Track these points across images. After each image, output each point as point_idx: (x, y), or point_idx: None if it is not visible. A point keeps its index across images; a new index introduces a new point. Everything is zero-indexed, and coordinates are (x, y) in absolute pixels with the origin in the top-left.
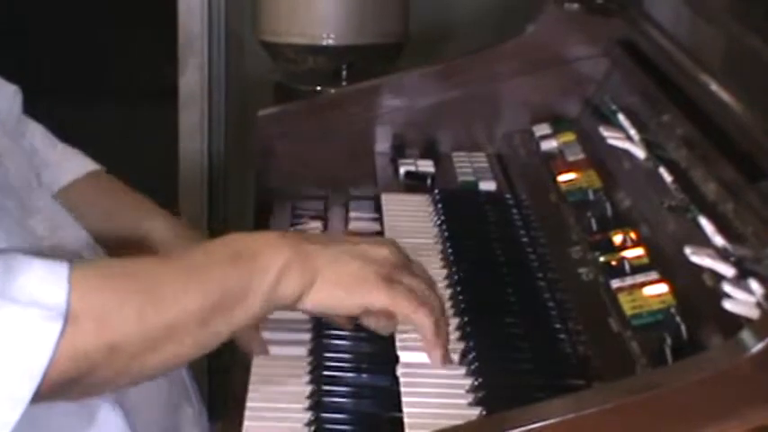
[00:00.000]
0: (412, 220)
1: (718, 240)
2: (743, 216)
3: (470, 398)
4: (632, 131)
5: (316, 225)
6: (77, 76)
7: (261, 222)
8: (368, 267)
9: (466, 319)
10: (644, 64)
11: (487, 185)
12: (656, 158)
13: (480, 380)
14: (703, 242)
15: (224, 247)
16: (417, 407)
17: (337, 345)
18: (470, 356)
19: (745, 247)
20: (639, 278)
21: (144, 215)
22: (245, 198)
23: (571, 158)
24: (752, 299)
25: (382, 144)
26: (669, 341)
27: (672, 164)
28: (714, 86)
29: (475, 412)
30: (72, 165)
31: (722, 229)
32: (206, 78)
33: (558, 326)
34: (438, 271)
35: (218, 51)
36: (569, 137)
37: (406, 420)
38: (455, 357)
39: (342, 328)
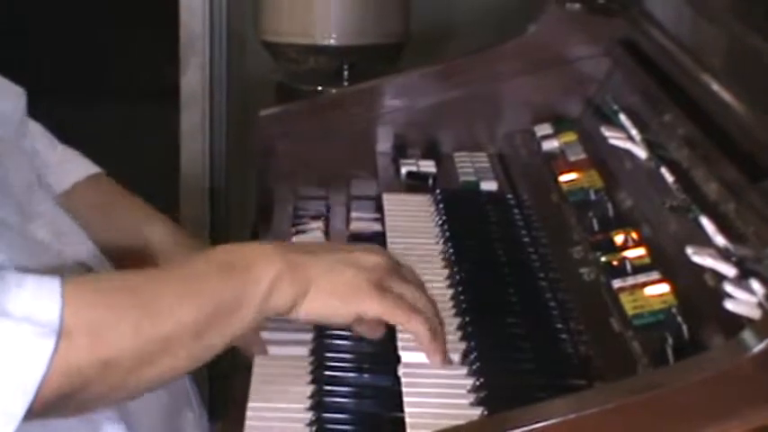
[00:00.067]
0: (413, 220)
1: (720, 240)
2: (744, 216)
3: (472, 398)
4: (634, 131)
5: (317, 225)
6: (77, 76)
7: (262, 222)
8: (360, 276)
9: (467, 319)
10: (645, 64)
11: (489, 185)
12: (658, 158)
13: (482, 380)
14: (705, 242)
15: (216, 259)
16: (419, 407)
17: (338, 345)
18: (472, 356)
19: (746, 247)
20: (641, 278)
21: (144, 220)
22: (246, 198)
23: (572, 158)
24: (753, 299)
25: (384, 144)
26: (670, 341)
27: (673, 164)
28: (715, 86)
29: (476, 412)
30: (73, 167)
31: (723, 229)
32: (207, 78)
33: (559, 326)
34: (439, 271)
35: (220, 51)
36: (571, 137)
37: (407, 420)
38: (456, 357)
39: (343, 328)
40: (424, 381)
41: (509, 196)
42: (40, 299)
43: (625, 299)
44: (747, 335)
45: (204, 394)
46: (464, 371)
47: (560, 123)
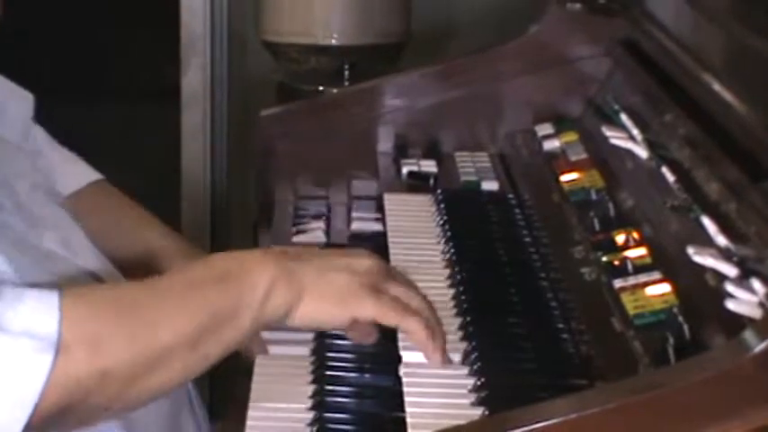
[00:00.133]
0: (414, 219)
1: (721, 240)
2: (745, 216)
3: (473, 398)
4: (635, 131)
5: (317, 225)
6: (77, 76)
7: (263, 222)
8: (353, 279)
9: (468, 318)
10: (646, 64)
11: (490, 185)
12: (659, 158)
13: (483, 380)
14: (706, 242)
15: (209, 269)
16: (420, 407)
17: (340, 345)
18: (473, 356)
19: (747, 246)
20: (642, 278)
21: (146, 228)
22: (247, 198)
23: (574, 158)
24: (754, 299)
25: (385, 144)
26: (672, 341)
27: (674, 164)
28: (716, 86)
29: (477, 412)
30: (74, 173)
31: (725, 228)
32: (208, 78)
33: (560, 326)
34: (440, 271)
35: (221, 51)
36: (572, 137)
37: (408, 420)
38: (457, 357)
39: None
40: (424, 381)
41: (510, 196)
42: (39, 313)
43: (626, 299)
44: (748, 335)
45: (204, 394)
46: (465, 371)
47: (561, 123)
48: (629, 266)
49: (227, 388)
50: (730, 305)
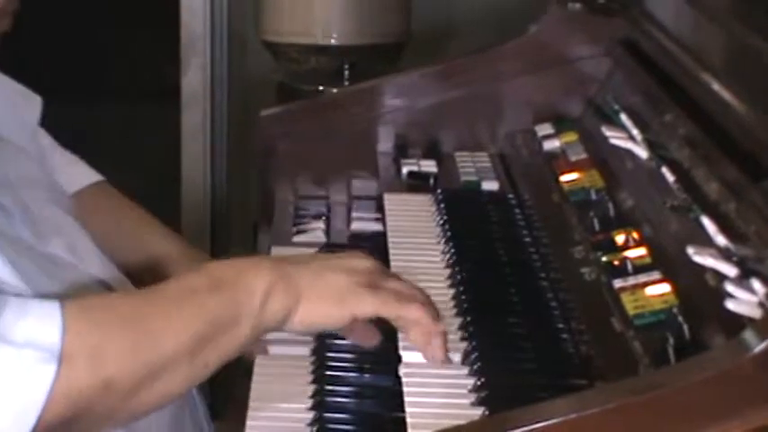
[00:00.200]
0: (414, 219)
1: (721, 240)
2: (745, 216)
3: (473, 398)
4: (634, 131)
5: (317, 225)
6: (77, 76)
7: (263, 222)
8: (350, 279)
9: (468, 318)
10: (646, 64)
11: (490, 185)
12: (659, 158)
13: (483, 380)
14: (706, 242)
15: (206, 277)
16: (420, 407)
17: (340, 344)
18: (473, 356)
19: (747, 246)
20: (642, 278)
21: (145, 230)
22: (247, 198)
23: (573, 158)
24: (754, 299)
25: (385, 144)
26: (672, 341)
27: (674, 164)
28: (716, 86)
29: (477, 412)
30: (75, 174)
31: (724, 228)
32: (208, 78)
33: (560, 326)
34: (440, 271)
35: (221, 51)
36: (572, 137)
37: (408, 420)
38: (457, 357)
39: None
40: (424, 381)
41: (510, 196)
42: (42, 325)
43: (626, 299)
44: (748, 335)
45: (205, 394)
46: (465, 371)
47: (561, 123)
48: (629, 266)
49: (227, 388)
50: (730, 305)
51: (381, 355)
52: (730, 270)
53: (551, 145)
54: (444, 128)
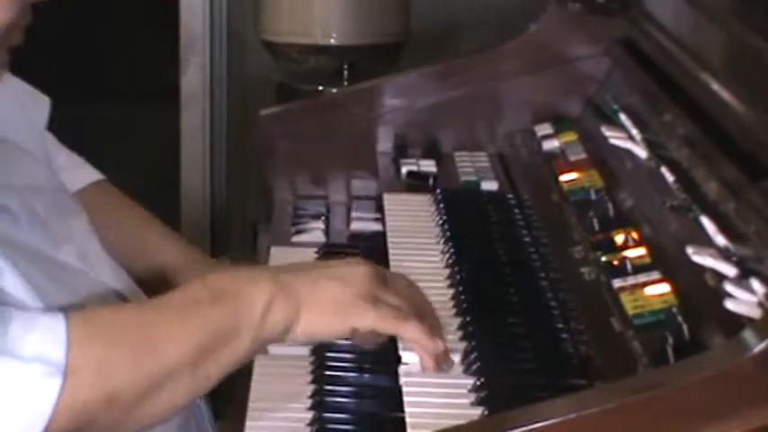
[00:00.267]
0: (414, 219)
1: (720, 240)
2: (744, 215)
3: (472, 397)
4: (634, 131)
5: (317, 225)
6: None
7: (262, 222)
8: (348, 290)
9: (468, 318)
10: (645, 63)
11: (489, 185)
12: (658, 158)
13: (482, 379)
14: (705, 242)
15: (207, 288)
16: (419, 407)
17: (339, 345)
18: (472, 356)
19: (746, 246)
20: (641, 278)
21: (146, 229)
22: (246, 198)
23: (573, 158)
24: (754, 298)
25: (384, 144)
26: (671, 341)
27: (673, 163)
28: (715, 86)
29: (477, 412)
30: (77, 173)
31: (724, 228)
32: (208, 78)
33: (559, 325)
34: (440, 271)
35: (220, 51)
36: (571, 136)
37: (407, 420)
38: (457, 357)
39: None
40: (424, 380)
41: (509, 196)
42: (47, 339)
43: (625, 298)
44: (748, 334)
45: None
46: (465, 370)
47: (561, 123)
48: (629, 266)
49: (227, 388)
50: (729, 305)
51: (381, 356)
52: (730, 270)
53: (551, 145)
54: (444, 128)
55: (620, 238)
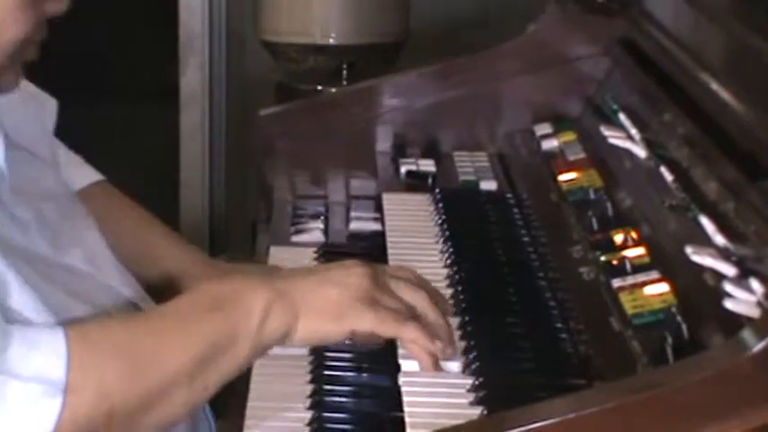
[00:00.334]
0: (413, 219)
1: (719, 239)
2: (744, 215)
3: (471, 397)
4: (633, 131)
5: (316, 225)
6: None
7: (261, 222)
8: (346, 293)
9: (467, 318)
10: (645, 63)
11: (488, 185)
12: (657, 158)
13: (481, 379)
14: (704, 241)
15: (203, 299)
16: (418, 406)
17: (338, 344)
18: (471, 356)
19: (746, 246)
20: (640, 277)
21: (146, 230)
22: (245, 197)
23: (572, 158)
24: (753, 298)
25: (383, 143)
26: (670, 340)
27: (673, 163)
28: (715, 85)
29: (476, 412)
30: (77, 174)
31: (723, 228)
32: (207, 78)
33: (558, 325)
34: (439, 271)
35: (219, 51)
36: (570, 136)
37: (406, 420)
38: (456, 357)
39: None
40: (423, 380)
41: (508, 196)
42: (48, 358)
43: (624, 298)
44: (747, 334)
45: None
46: (464, 370)
47: (560, 123)
48: (628, 266)
49: (227, 387)
50: (729, 305)
51: (380, 355)
52: (729, 269)
53: (550, 144)
54: (443, 127)
55: (619, 238)
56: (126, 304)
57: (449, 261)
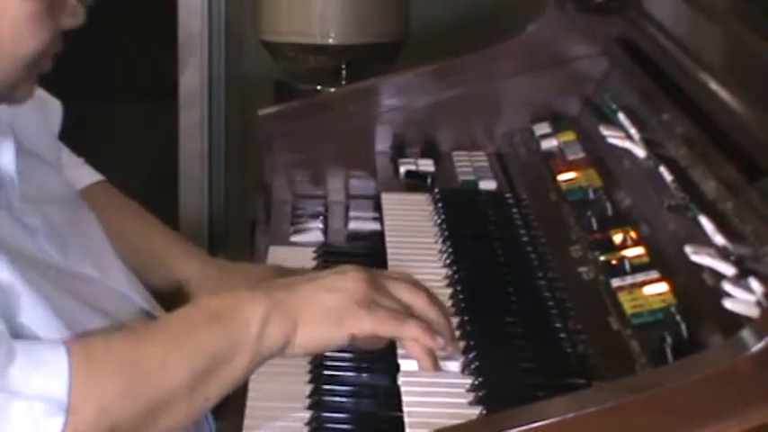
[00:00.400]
0: (412, 219)
1: (719, 239)
2: (743, 215)
3: (470, 397)
4: (632, 130)
5: (315, 224)
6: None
7: (261, 222)
8: (343, 298)
9: (466, 318)
10: (643, 63)
11: (488, 185)
12: (656, 157)
13: (480, 379)
14: (703, 241)
15: (202, 311)
16: (417, 406)
17: None
18: (470, 356)
19: (745, 245)
20: (640, 277)
21: (146, 229)
22: (245, 197)
23: (571, 157)
24: (752, 298)
25: (382, 143)
26: (669, 340)
27: (672, 162)
28: (713, 85)
29: (475, 411)
30: (77, 174)
31: (722, 227)
32: (206, 78)
33: (558, 325)
34: (438, 270)
35: (219, 51)
36: (569, 136)
37: (406, 420)
38: (455, 357)
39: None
40: (422, 380)
41: (508, 195)
42: (50, 376)
43: (624, 298)
44: (746, 334)
45: None
46: (463, 370)
47: (559, 122)
48: (627, 266)
49: None
50: (728, 304)
51: (379, 355)
52: (728, 269)
53: (549, 144)
54: (442, 127)
55: (618, 238)
56: (138, 312)
57: (448, 261)
